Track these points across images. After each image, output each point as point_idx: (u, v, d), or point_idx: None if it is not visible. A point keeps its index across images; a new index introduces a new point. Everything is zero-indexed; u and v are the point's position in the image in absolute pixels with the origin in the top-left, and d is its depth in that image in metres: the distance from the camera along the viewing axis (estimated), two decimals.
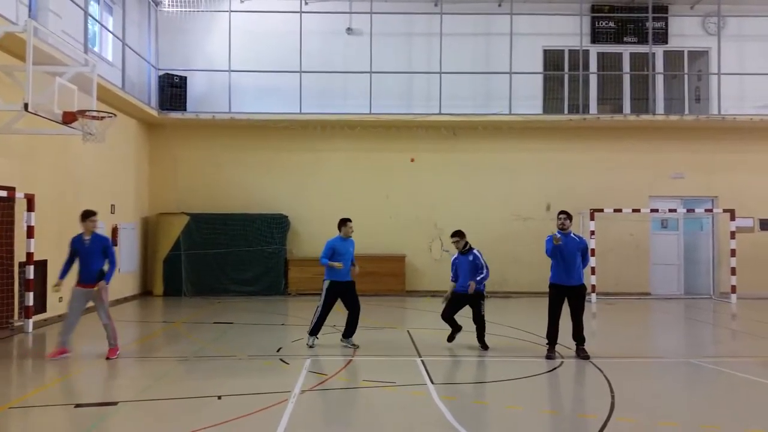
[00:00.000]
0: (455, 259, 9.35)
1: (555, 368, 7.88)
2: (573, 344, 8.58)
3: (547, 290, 8.63)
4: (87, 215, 8.32)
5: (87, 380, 7.53)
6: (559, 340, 8.53)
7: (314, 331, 9.16)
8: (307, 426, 5.63)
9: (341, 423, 5.79)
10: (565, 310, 8.52)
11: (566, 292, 8.45)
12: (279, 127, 16.25)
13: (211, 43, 16.50)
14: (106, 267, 8.38)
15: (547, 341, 8.58)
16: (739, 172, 16.47)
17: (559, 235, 8.38)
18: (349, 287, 9.29)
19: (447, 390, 6.82)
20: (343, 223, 9.50)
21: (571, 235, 8.54)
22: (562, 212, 8.72)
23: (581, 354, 8.41)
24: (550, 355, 8.41)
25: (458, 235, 9.32)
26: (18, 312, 10.35)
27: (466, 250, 9.23)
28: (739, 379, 7.48)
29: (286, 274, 16.02)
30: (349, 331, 9.19)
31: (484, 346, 9.00)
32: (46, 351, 9.51)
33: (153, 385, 7.16)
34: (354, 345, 9.05)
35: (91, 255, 8.25)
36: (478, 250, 9.25)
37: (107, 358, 8.23)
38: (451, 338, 9.26)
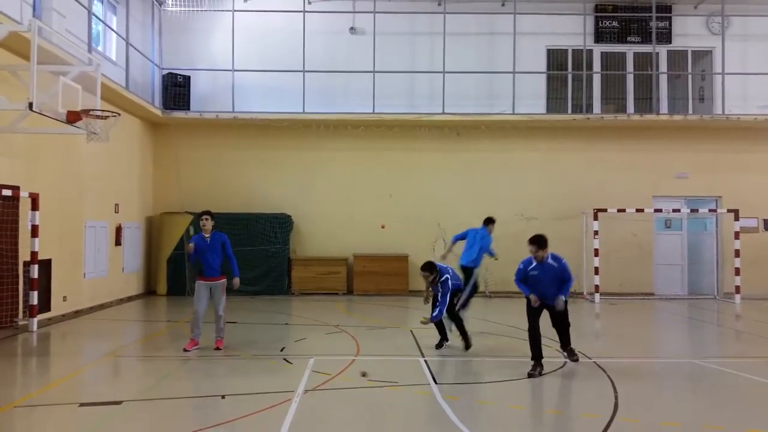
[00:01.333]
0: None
1: (558, 368, 7.87)
2: (580, 345, 8.46)
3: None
4: (200, 215, 9.05)
5: (91, 380, 7.55)
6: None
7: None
8: (310, 426, 5.64)
9: (345, 423, 5.79)
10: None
11: (545, 306, 7.81)
12: (282, 127, 16.26)
13: (214, 43, 16.52)
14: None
15: (532, 358, 7.60)
16: (744, 172, 16.43)
17: (535, 297, 7.60)
18: None
19: (450, 390, 6.81)
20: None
21: (548, 261, 7.63)
22: (532, 240, 7.61)
23: (571, 357, 8.09)
24: (533, 372, 7.41)
25: (427, 269, 8.65)
26: (22, 311, 10.38)
27: (434, 281, 8.65)
28: (743, 380, 7.46)
29: (290, 274, 16.03)
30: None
31: (441, 344, 9.08)
32: (50, 350, 9.56)
33: (157, 384, 7.18)
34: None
35: (211, 251, 8.80)
36: (449, 275, 8.68)
37: (216, 348, 8.74)
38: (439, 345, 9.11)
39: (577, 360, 8.10)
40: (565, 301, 7.90)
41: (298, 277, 15.98)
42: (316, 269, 16.07)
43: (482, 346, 9.41)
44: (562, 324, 8.05)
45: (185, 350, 8.66)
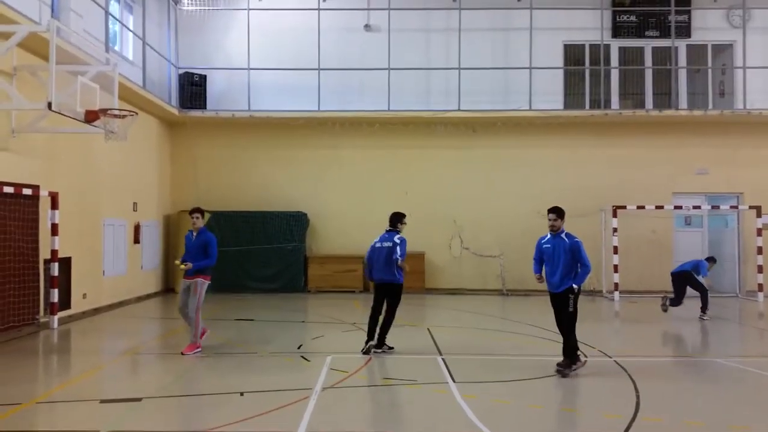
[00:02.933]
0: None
1: (578, 367, 7.77)
2: (589, 348, 8.28)
3: (575, 291, 7.52)
4: (190, 212, 8.72)
5: (111, 376, 7.61)
6: (581, 341, 8.31)
7: None
8: (328, 423, 5.62)
9: (363, 420, 5.77)
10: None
11: (551, 298, 7.67)
12: (298, 125, 16.28)
13: (230, 42, 16.58)
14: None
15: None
16: (765, 168, 16.12)
17: (539, 276, 7.71)
18: None
19: (468, 388, 6.77)
20: None
21: (561, 236, 7.58)
22: (551, 209, 7.65)
23: (562, 370, 7.32)
24: (566, 370, 7.37)
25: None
26: (43, 308, 10.50)
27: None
28: (766, 379, 7.32)
29: (306, 271, 16.06)
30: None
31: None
32: (71, 346, 9.66)
33: (176, 381, 7.22)
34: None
35: (194, 249, 8.48)
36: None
37: (182, 353, 8.29)
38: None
39: (566, 376, 7.29)
40: (574, 303, 7.46)
41: (314, 274, 16.00)
42: (333, 267, 16.07)
43: (500, 345, 9.35)
44: (563, 323, 7.52)
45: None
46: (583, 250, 7.54)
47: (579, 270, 7.49)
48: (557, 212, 7.63)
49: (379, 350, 8.47)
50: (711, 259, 12.58)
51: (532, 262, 7.99)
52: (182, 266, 8.40)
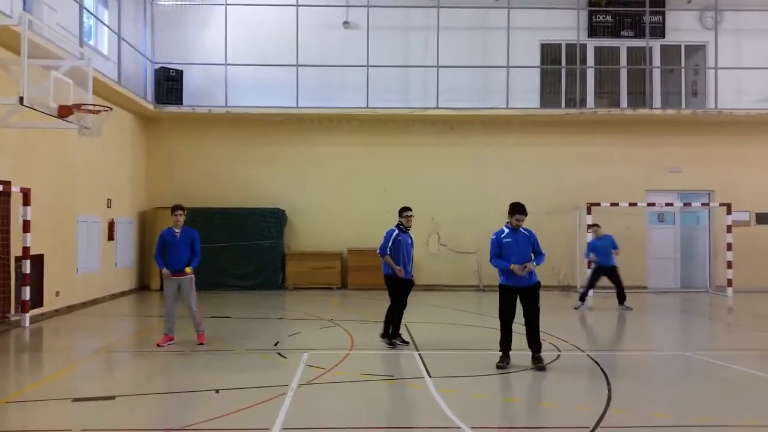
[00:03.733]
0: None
1: (552, 361, 7.89)
2: (562, 342, 8.44)
3: (541, 285, 7.72)
4: (173, 209, 8.85)
5: (84, 375, 7.53)
6: (554, 335, 8.52)
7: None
8: (304, 419, 5.64)
9: (339, 416, 5.80)
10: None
11: (519, 293, 7.55)
12: (276, 121, 16.22)
13: (207, 37, 16.42)
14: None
15: (500, 350, 7.65)
16: (736, 166, 16.50)
17: (519, 266, 7.35)
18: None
19: (445, 383, 6.83)
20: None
21: (521, 230, 7.65)
22: (519, 209, 7.62)
23: (537, 364, 7.46)
24: (501, 364, 7.49)
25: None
26: (15, 306, 10.32)
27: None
28: (734, 372, 7.52)
29: (284, 268, 16.02)
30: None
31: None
32: (43, 345, 9.52)
33: (150, 379, 7.18)
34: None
35: (180, 246, 8.68)
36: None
37: (199, 343, 8.72)
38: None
39: (544, 369, 7.42)
40: (538, 297, 7.58)
41: (292, 271, 15.97)
42: (311, 264, 16.05)
43: (476, 340, 9.45)
44: (535, 316, 7.56)
45: (158, 345, 8.64)
46: (538, 241, 7.71)
47: (535, 260, 7.54)
48: (525, 211, 7.68)
49: (385, 340, 8.72)
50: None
51: (492, 262, 7.70)
52: (188, 270, 8.69)
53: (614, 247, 12.73)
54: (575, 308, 12.72)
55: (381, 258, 8.69)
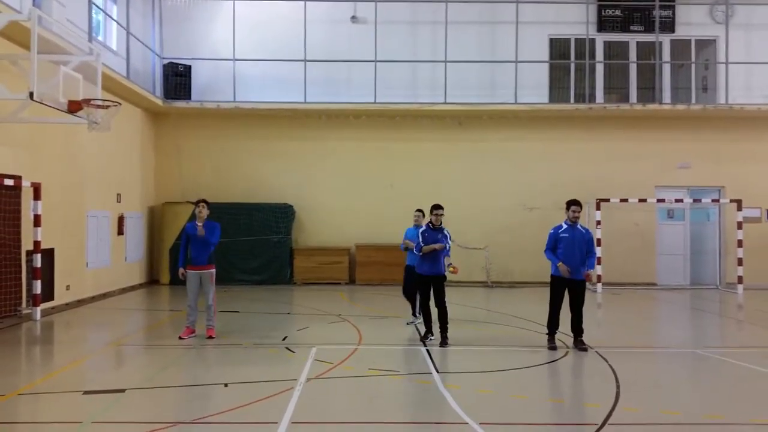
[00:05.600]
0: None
1: (560, 358, 7.89)
2: (570, 338, 8.52)
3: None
4: (196, 203, 8.91)
5: (95, 368, 7.59)
6: (562, 332, 8.52)
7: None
8: (312, 414, 5.66)
9: (346, 411, 5.82)
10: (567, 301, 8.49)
11: (568, 285, 8.28)
12: (284, 117, 16.23)
13: (215, 32, 16.45)
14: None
15: (547, 331, 8.52)
16: (747, 162, 16.37)
17: (565, 267, 8.08)
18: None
19: (452, 379, 6.84)
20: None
21: (579, 227, 8.30)
22: (576, 202, 8.30)
23: (579, 346, 8.28)
24: (551, 345, 8.35)
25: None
26: (26, 300, 10.41)
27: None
28: (744, 370, 7.47)
29: (292, 264, 16.06)
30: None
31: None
32: (54, 338, 9.60)
33: (160, 372, 7.22)
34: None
35: (202, 240, 8.70)
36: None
37: (208, 337, 8.79)
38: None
39: (586, 350, 8.17)
40: (584, 290, 8.28)
41: (300, 266, 16.00)
42: (319, 259, 16.08)
43: (484, 336, 9.44)
44: (580, 306, 8.26)
45: (180, 338, 8.78)
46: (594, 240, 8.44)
47: (587, 260, 8.20)
48: (580, 204, 8.33)
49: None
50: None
51: (546, 254, 8.39)
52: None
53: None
54: None
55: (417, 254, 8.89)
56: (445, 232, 8.91)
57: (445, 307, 8.68)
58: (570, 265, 8.15)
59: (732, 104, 15.68)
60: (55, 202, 11.23)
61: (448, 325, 8.65)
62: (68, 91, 8.99)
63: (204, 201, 9.00)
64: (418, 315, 9.68)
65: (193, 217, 9.04)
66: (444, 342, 8.48)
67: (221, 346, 8.44)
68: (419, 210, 10.41)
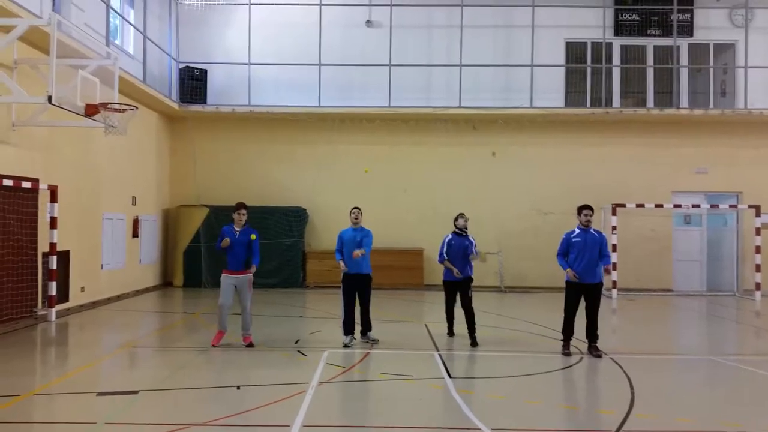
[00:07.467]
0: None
1: (574, 364, 7.81)
2: (585, 344, 8.45)
3: (603, 285, 8.44)
4: (236, 208, 8.74)
5: (108, 369, 7.64)
6: (577, 337, 8.44)
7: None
8: (324, 417, 5.65)
9: (359, 415, 5.79)
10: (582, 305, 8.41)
11: (583, 290, 8.23)
12: (298, 120, 16.29)
13: (230, 36, 16.57)
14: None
15: (562, 337, 8.46)
16: (765, 168, 16.12)
17: (573, 273, 8.08)
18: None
19: (464, 384, 6.79)
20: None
21: (591, 230, 8.27)
22: (587, 206, 8.34)
23: (593, 352, 8.21)
24: (566, 351, 8.30)
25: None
26: (41, 301, 10.52)
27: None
28: (761, 378, 7.34)
29: (305, 267, 16.08)
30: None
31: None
32: (68, 340, 9.69)
33: (173, 374, 7.25)
34: (374, 340, 9.03)
35: (240, 245, 8.55)
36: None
37: (247, 345, 8.56)
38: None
39: (600, 356, 8.13)
40: (599, 295, 8.25)
41: (312, 270, 16.02)
42: (331, 262, 15.95)
43: (497, 341, 9.37)
44: (595, 312, 8.21)
45: (213, 346, 8.48)
46: (607, 243, 8.43)
47: (601, 262, 8.18)
48: (592, 209, 8.39)
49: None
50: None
51: (558, 259, 8.40)
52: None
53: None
54: None
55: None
56: (471, 238, 9.29)
57: (472, 310, 9.04)
58: (580, 270, 8.10)
59: (751, 109, 15.47)
60: (71, 204, 11.35)
61: (475, 326, 8.99)
62: (85, 95, 9.11)
63: (243, 206, 8.75)
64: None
65: (230, 221, 8.79)
66: (473, 342, 8.81)
67: (233, 349, 8.46)
68: (356, 207, 9.84)
